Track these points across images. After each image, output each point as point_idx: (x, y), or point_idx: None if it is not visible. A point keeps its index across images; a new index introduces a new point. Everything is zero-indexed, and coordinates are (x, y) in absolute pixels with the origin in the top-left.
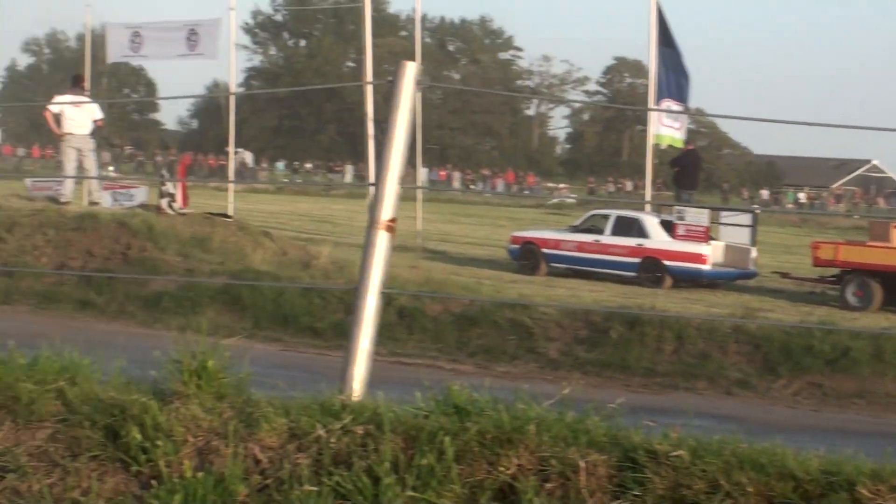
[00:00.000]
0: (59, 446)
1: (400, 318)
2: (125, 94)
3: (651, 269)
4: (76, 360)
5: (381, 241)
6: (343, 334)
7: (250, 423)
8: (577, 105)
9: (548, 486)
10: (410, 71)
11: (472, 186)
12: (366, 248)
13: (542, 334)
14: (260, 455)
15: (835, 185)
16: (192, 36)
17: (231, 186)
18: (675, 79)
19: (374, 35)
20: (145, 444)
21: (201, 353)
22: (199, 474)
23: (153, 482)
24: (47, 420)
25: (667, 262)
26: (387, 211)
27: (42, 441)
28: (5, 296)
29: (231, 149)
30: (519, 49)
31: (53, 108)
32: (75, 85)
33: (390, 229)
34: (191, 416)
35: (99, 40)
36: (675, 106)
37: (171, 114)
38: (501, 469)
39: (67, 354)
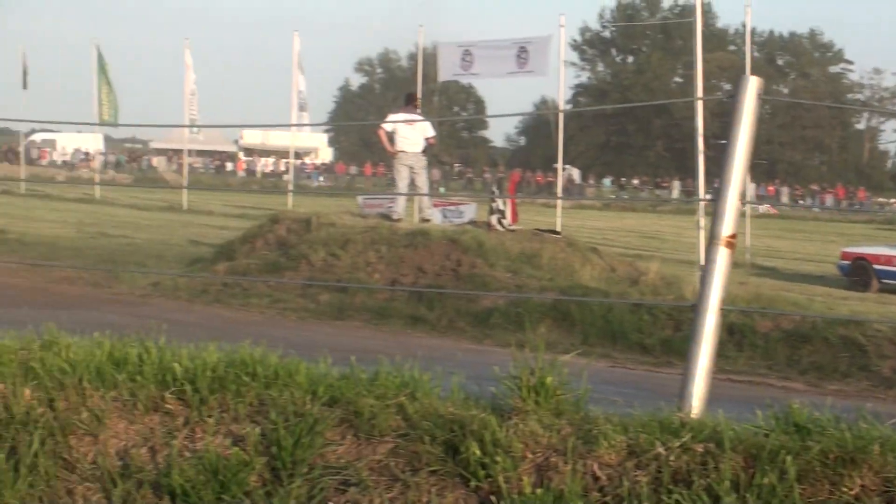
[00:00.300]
0: (399, 461)
1: (729, 335)
2: (455, 112)
3: None
4: (416, 375)
5: (721, 257)
6: (672, 351)
7: (588, 439)
8: None
9: None
10: (752, 85)
11: (800, 202)
12: (706, 264)
13: (875, 352)
14: (598, 472)
15: None
16: (522, 54)
17: (559, 203)
18: None
19: (703, 50)
20: (484, 460)
21: (539, 369)
22: (538, 491)
23: (492, 498)
24: (388, 435)
25: None
26: (727, 227)
27: (383, 455)
28: (339, 311)
29: (559, 165)
30: (849, 62)
31: (387, 127)
32: (408, 103)
33: (730, 245)
34: (529, 433)
35: (430, 59)
36: None
37: (500, 131)
38: (844, 489)
39: (407, 370)
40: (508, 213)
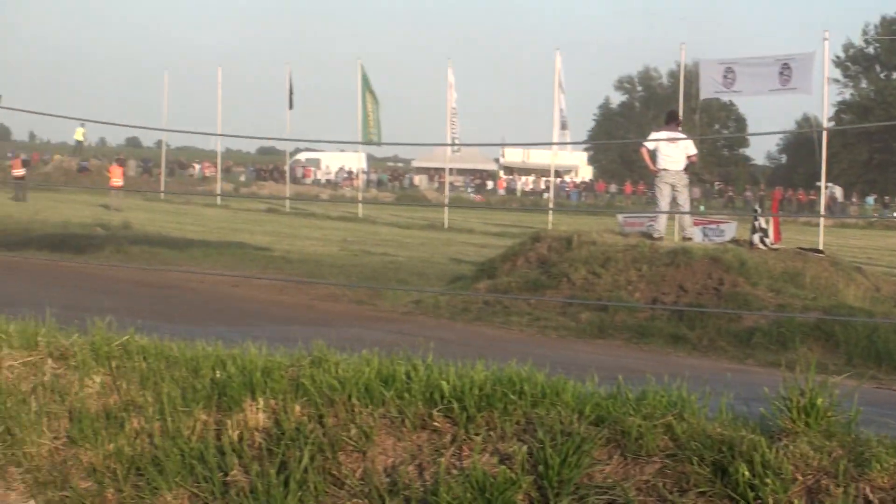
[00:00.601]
0: (667, 481)
1: None
2: (715, 129)
3: None
4: (683, 395)
5: None
6: None
7: (860, 462)
8: None
9: None
10: None
11: None
12: None
13: None
14: (871, 496)
15: None
16: (785, 70)
17: (822, 221)
18: None
19: None
20: (754, 482)
21: (810, 390)
22: None
23: None
24: (655, 455)
25: None
26: None
27: (650, 476)
28: (600, 330)
29: (822, 183)
30: None
31: (649, 145)
32: (670, 121)
33: None
34: (800, 454)
35: (691, 76)
36: None
37: (761, 149)
38: None
39: (674, 389)
40: (771, 232)
